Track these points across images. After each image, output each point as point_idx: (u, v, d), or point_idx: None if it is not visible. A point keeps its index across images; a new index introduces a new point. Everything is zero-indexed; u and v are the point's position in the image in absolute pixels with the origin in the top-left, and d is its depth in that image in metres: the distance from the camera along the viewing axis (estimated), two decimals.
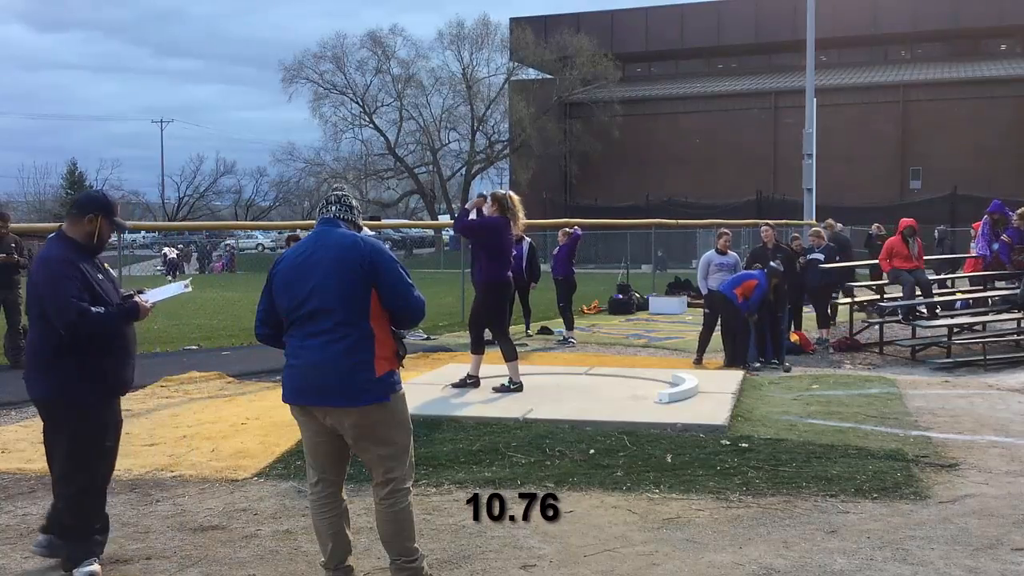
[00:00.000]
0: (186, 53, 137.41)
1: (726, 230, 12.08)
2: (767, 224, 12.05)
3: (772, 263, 11.11)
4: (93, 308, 4.18)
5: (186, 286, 5.18)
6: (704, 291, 11.70)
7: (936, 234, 21.72)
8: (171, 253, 36.32)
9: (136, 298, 4.46)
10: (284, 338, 4.02)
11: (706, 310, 11.46)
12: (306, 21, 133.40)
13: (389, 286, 3.91)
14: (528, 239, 14.54)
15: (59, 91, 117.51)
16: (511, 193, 8.80)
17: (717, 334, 11.37)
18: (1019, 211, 13.80)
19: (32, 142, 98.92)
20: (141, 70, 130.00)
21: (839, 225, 16.15)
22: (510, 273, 8.85)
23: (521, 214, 8.69)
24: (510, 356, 8.63)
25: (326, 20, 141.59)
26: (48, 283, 4.16)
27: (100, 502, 4.43)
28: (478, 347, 8.83)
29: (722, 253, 11.71)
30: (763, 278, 10.67)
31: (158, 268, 40.76)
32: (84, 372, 4.24)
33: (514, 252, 14.02)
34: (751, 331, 10.75)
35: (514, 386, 8.52)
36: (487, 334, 8.87)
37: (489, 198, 8.70)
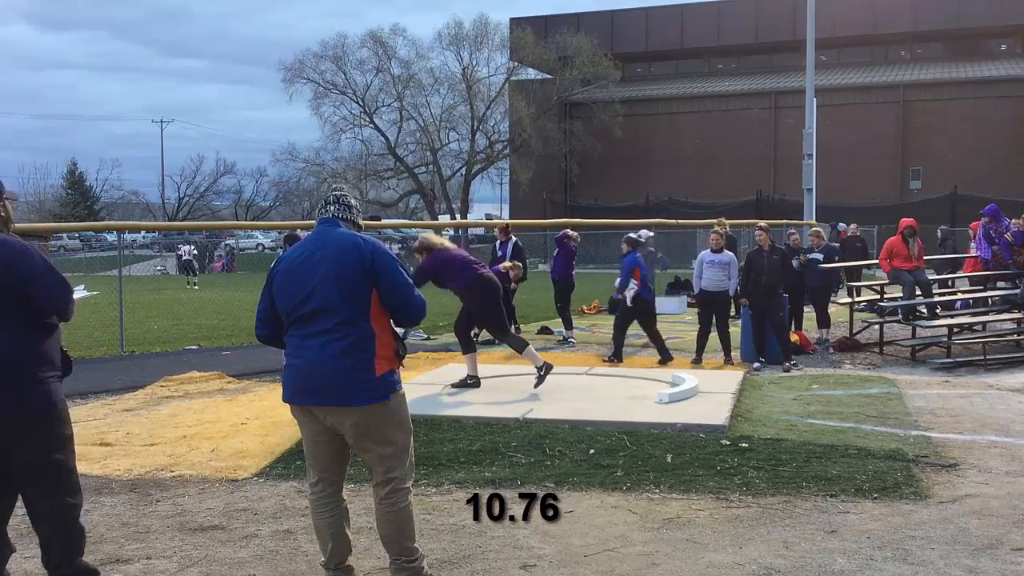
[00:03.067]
0: (191, 53, 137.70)
1: (718, 228, 12.03)
2: (760, 226, 11.85)
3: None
4: None
5: (84, 289, 5.39)
6: (696, 290, 11.73)
7: (939, 233, 21.67)
8: (186, 254, 36.07)
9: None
10: (284, 338, 4.02)
11: (698, 309, 11.60)
12: (312, 21, 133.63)
13: (389, 285, 3.91)
14: (515, 238, 14.54)
15: (64, 91, 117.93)
16: (423, 235, 9.21)
17: (715, 333, 11.44)
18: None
19: (35, 142, 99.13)
20: (146, 70, 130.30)
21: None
22: (483, 270, 8.91)
23: (435, 239, 9.01)
24: (520, 347, 8.69)
25: (332, 20, 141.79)
26: (46, 270, 3.91)
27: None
28: (468, 347, 8.97)
29: (716, 251, 11.69)
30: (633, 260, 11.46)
31: (159, 268, 40.65)
32: (58, 366, 4.01)
33: (499, 252, 14.19)
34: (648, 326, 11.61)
35: (544, 370, 8.53)
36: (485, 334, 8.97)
37: (415, 254, 9.03)
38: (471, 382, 8.76)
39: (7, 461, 3.89)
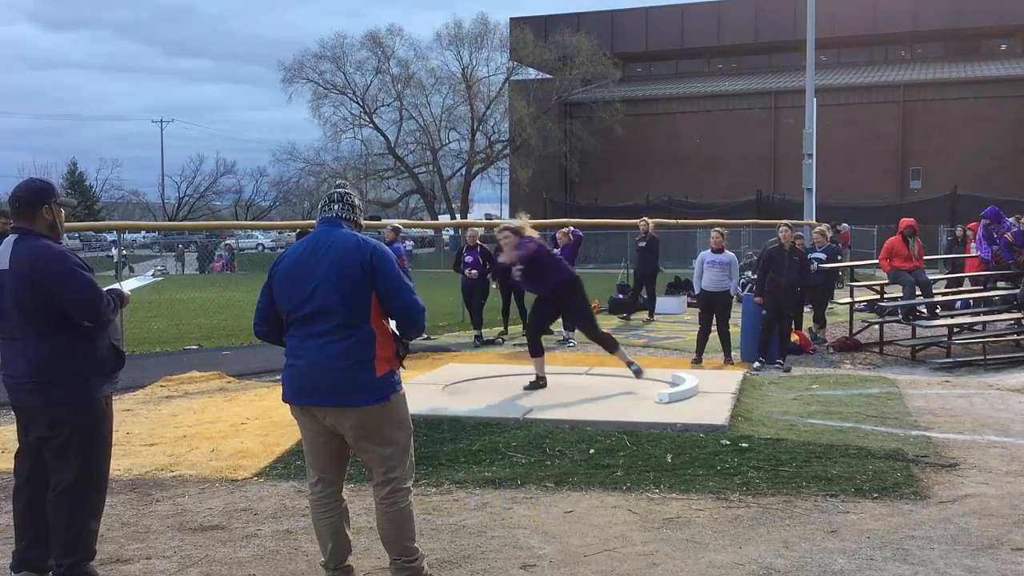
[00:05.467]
0: (195, 53, 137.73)
1: (719, 229, 12.03)
2: (785, 224, 11.95)
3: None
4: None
5: (154, 276, 5.48)
6: (696, 290, 11.74)
7: (959, 232, 21.56)
8: (116, 257, 36.83)
9: (116, 286, 4.39)
10: (284, 338, 4.02)
11: (699, 309, 11.61)
12: (316, 20, 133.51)
13: (387, 288, 3.90)
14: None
15: (67, 91, 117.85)
16: (513, 222, 9.03)
17: (714, 333, 11.44)
18: None
19: (36, 141, 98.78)
20: (150, 69, 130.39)
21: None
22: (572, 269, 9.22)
23: (528, 223, 8.91)
24: (614, 346, 8.98)
25: (336, 19, 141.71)
26: (66, 275, 3.93)
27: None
28: (537, 351, 8.92)
29: (717, 251, 11.67)
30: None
31: (159, 268, 40.67)
32: (103, 363, 4.11)
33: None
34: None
35: (634, 368, 8.91)
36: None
37: (501, 236, 8.86)
38: (541, 383, 8.74)
39: (40, 452, 4.04)
